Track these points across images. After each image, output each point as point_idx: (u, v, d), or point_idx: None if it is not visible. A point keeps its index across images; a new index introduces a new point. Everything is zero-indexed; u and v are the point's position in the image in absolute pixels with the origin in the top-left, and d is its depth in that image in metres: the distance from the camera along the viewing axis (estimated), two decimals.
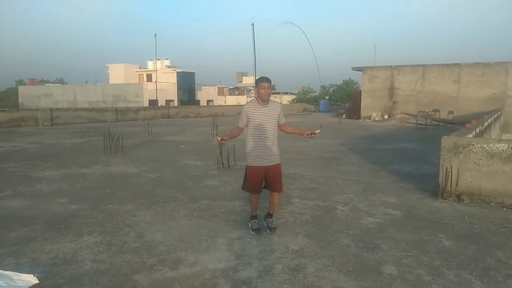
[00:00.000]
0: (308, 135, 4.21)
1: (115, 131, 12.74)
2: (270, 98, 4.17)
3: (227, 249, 3.85)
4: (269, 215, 4.37)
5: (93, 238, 4.10)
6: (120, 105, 35.78)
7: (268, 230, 4.27)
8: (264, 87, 4.02)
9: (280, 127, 4.28)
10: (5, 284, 3.04)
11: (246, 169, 4.23)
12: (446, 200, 5.58)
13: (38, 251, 3.75)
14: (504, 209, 5.16)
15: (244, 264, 3.50)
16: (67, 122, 21.05)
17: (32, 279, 3.12)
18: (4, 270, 3.25)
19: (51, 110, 21.16)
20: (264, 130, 4.07)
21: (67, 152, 10.62)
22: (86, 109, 23.93)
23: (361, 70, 26.21)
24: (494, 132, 13.93)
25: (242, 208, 5.22)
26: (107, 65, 54.39)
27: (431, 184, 6.54)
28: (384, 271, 3.36)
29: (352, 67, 26.98)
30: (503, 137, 16.67)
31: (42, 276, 3.21)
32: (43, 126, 19.65)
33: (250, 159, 4.15)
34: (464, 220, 4.74)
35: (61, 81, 70.53)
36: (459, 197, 5.54)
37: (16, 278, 3.14)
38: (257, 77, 24.76)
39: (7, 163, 8.78)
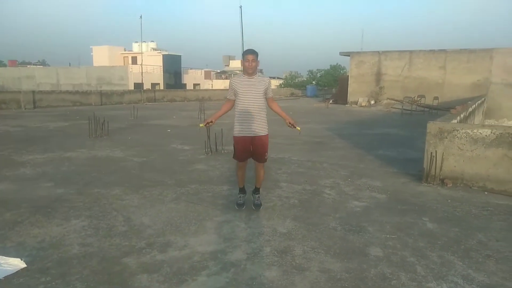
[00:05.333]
0: (289, 123, 4.21)
1: (100, 114, 12.53)
2: (260, 73, 4.20)
3: (215, 232, 3.88)
4: (256, 190, 4.46)
5: (81, 222, 4.08)
6: (105, 88, 35.10)
7: (253, 207, 4.36)
8: (248, 59, 4.03)
9: (267, 101, 4.28)
10: None
11: (233, 138, 4.30)
12: (430, 184, 5.70)
13: (24, 235, 3.71)
14: (486, 193, 5.30)
15: (233, 246, 3.53)
16: (50, 105, 20.61)
17: (19, 263, 3.09)
18: None
19: (34, 92, 20.64)
20: (249, 100, 4.10)
21: (51, 136, 10.43)
22: (70, 92, 23.43)
23: (348, 55, 26.20)
24: (478, 118, 14.19)
25: (230, 192, 5.24)
26: (91, 47, 53.27)
27: (416, 169, 6.66)
28: (370, 252, 3.44)
29: (340, 52, 26.94)
30: (486, 123, 17.00)
31: (29, 260, 3.18)
32: (25, 109, 19.19)
33: (235, 129, 4.23)
34: (447, 203, 4.86)
35: (43, 63, 68.63)
36: (442, 181, 5.67)
37: (2, 262, 3.11)
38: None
39: None
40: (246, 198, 4.61)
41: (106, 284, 2.85)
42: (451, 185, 5.59)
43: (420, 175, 6.10)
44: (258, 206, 4.38)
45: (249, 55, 4.01)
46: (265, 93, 4.18)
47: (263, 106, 4.19)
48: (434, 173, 5.69)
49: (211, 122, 4.17)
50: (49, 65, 59.44)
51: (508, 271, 3.14)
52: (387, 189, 5.50)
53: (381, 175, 6.39)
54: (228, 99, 4.30)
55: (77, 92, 23.62)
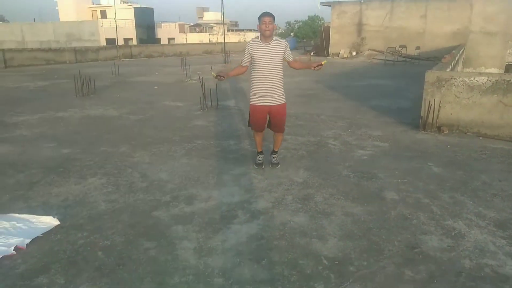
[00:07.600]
0: (315, 67, 4.10)
1: (80, 72, 12.07)
2: (275, 35, 4.09)
3: (235, 184, 3.99)
4: (273, 152, 4.51)
5: (98, 180, 4.10)
6: (75, 44, 33.45)
7: (270, 165, 4.44)
8: (264, 22, 3.90)
9: (289, 64, 4.24)
10: (25, 227, 3.05)
11: (250, 107, 4.26)
12: (428, 132, 5.93)
13: (46, 195, 3.72)
14: (480, 138, 5.58)
15: (256, 196, 3.67)
16: (22, 64, 19.59)
17: (52, 221, 3.13)
18: (19, 214, 3.24)
19: (4, 51, 19.51)
20: (267, 68, 4.01)
21: (35, 96, 10.06)
22: (42, 50, 22.21)
23: (330, 6, 25.70)
24: (458, 67, 14.48)
25: (238, 146, 5.32)
26: (55, 0, 49.81)
27: (410, 117, 6.88)
28: (386, 196, 3.65)
29: (320, 2, 26.35)
30: (465, 71, 17.34)
31: (60, 218, 3.22)
32: None
33: (252, 98, 4.17)
34: (447, 149, 5.11)
35: (1, 19, 63.91)
36: (439, 129, 5.90)
37: (34, 220, 3.14)
38: (223, 14, 23.24)
39: None
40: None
41: (145, 236, 2.95)
42: (447, 132, 5.84)
43: (415, 124, 6.33)
44: (275, 164, 4.44)
45: (266, 17, 3.88)
46: (284, 57, 4.09)
47: (281, 74, 4.11)
48: (431, 121, 5.90)
49: (223, 77, 4.08)
50: (8, 21, 55.34)
51: None
52: (388, 138, 5.70)
53: (378, 125, 6.58)
54: (242, 66, 4.17)
55: (50, 50, 22.42)
